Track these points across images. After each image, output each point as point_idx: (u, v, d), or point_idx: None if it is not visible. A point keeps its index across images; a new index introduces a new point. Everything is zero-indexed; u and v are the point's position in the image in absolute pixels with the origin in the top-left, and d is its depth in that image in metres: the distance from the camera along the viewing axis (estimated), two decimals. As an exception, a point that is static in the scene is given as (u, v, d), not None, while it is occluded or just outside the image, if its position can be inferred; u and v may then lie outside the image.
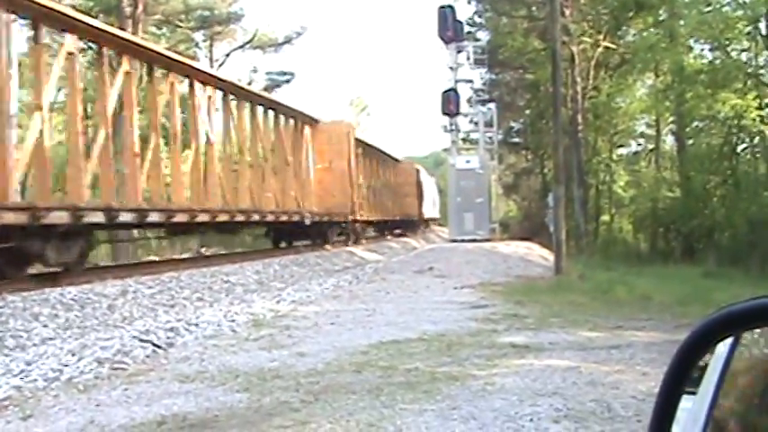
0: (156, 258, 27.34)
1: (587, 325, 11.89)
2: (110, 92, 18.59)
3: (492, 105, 44.52)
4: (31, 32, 16.39)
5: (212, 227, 24.64)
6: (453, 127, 35.49)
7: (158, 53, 22.02)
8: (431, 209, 64.33)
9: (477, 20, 51.36)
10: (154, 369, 8.97)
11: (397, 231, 53.17)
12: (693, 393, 1.93)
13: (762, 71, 32.43)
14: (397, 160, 56.84)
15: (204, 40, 53.89)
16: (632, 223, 44.44)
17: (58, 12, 16.72)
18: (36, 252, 15.43)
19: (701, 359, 1.88)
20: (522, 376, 8.02)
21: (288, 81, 57.29)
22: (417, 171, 58.01)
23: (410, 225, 55.85)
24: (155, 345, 10.41)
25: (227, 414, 6.86)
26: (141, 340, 10.55)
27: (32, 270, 16.43)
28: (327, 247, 33.22)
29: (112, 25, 23.40)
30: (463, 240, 30.47)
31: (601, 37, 40.55)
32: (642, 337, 10.74)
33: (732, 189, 32.83)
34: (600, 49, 40.78)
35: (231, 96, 26.75)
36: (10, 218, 14.07)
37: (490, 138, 37.44)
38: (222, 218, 23.62)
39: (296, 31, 56.22)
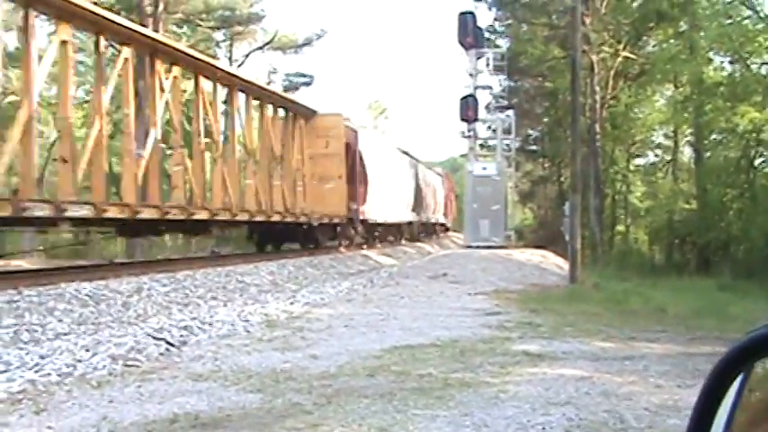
0: (172, 257, 27.34)
1: (601, 335, 11.85)
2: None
3: (510, 112, 44.51)
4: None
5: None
6: (471, 133, 35.48)
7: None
8: (406, 206, 47.19)
9: (498, 27, 51.42)
10: (167, 367, 8.98)
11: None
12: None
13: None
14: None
15: (224, 40, 53.97)
16: (648, 234, 44.40)
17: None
18: None
19: (735, 380, 1.86)
20: (534, 385, 8.01)
21: (307, 83, 57.25)
22: (354, 133, 34.90)
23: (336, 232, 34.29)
24: (168, 343, 10.42)
25: (239, 414, 6.87)
26: (155, 338, 10.56)
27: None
28: (342, 249, 33.19)
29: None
30: (478, 247, 30.46)
31: (621, 47, 40.54)
32: (656, 349, 10.71)
33: (749, 202, 32.75)
34: (620, 59, 40.77)
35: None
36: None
37: (508, 145, 37.44)
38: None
39: (316, 34, 56.13)
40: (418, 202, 50.61)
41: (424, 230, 56.97)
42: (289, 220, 28.24)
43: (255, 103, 27.31)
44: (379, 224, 39.79)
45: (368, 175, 35.42)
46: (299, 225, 29.56)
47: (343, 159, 32.53)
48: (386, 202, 39.38)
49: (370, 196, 35.65)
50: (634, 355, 10.08)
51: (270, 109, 28.96)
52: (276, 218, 27.00)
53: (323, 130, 32.23)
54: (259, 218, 25.86)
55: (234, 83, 25.60)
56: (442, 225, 65.83)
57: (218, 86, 24.98)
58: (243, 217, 24.82)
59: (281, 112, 30.21)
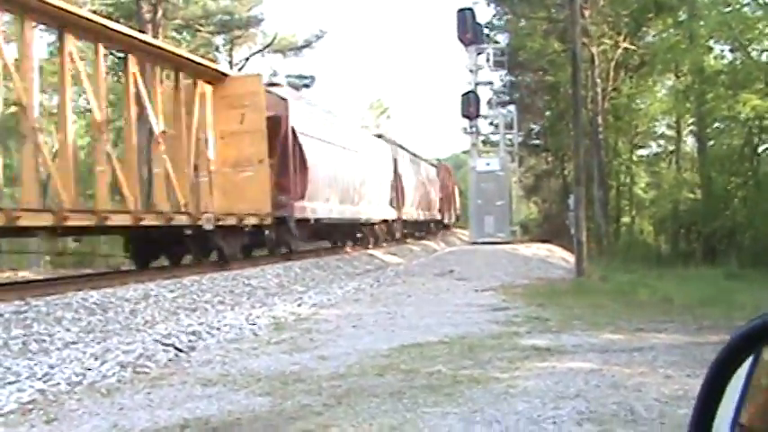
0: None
1: (609, 327, 11.85)
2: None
3: (512, 107, 44.66)
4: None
5: None
6: (473, 129, 35.44)
7: None
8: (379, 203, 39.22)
9: (497, 22, 51.36)
10: (176, 373, 8.99)
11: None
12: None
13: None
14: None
15: (224, 45, 54.00)
16: (653, 225, 44.31)
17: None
18: None
19: (739, 367, 1.87)
20: (544, 379, 8.01)
21: (308, 85, 57.22)
22: (283, 103, 26.56)
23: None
24: (177, 348, 10.44)
25: (249, 418, 6.88)
26: (163, 344, 10.58)
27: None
28: (347, 250, 33.17)
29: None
30: (484, 243, 30.46)
31: (621, 38, 40.48)
32: (664, 340, 10.71)
33: (753, 190, 32.63)
34: (620, 51, 40.74)
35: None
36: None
37: (510, 140, 37.47)
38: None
39: (315, 35, 56.14)
40: (400, 197, 43.43)
41: (418, 229, 51.79)
42: (178, 222, 20.36)
43: (121, 57, 21.33)
44: (331, 223, 31.59)
45: (307, 160, 26.75)
46: (195, 229, 21.17)
47: (264, 137, 24.31)
48: (342, 194, 32.08)
49: (312, 187, 27.38)
50: (642, 346, 10.08)
51: (146, 68, 22.92)
52: (151, 220, 19.30)
53: (237, 100, 24.32)
54: (118, 221, 18.27)
55: (67, 21, 17.50)
56: (439, 222, 59.34)
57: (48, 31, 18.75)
58: (81, 221, 16.91)
59: (168, 74, 23.19)
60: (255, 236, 25.01)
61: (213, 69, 24.86)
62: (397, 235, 44.35)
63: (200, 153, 23.35)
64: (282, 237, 26.34)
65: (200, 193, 22.98)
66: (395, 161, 43.07)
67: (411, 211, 47.18)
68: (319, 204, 28.65)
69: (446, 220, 62.17)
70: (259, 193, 24.25)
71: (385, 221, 40.92)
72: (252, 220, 23.96)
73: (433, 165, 59.69)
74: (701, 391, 1.90)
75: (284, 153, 25.82)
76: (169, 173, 21.12)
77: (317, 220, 28.45)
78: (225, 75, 25.42)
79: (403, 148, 48.15)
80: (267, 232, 25.34)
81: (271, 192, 24.81)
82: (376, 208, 38.11)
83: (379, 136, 44.14)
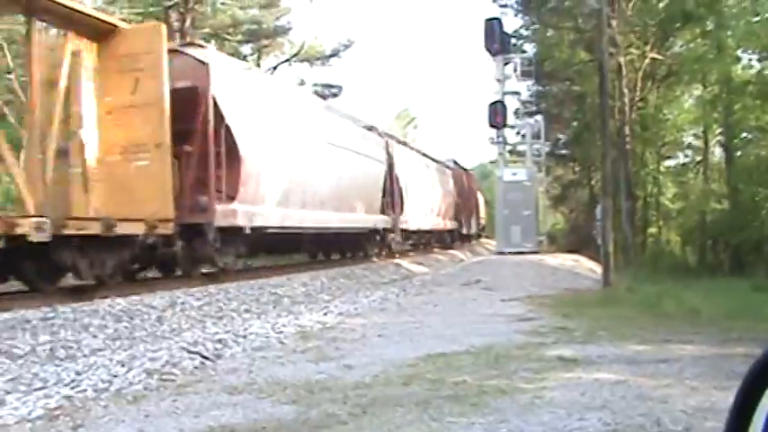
0: (204, 270, 27.30)
1: (635, 338, 11.78)
2: None
3: (539, 117, 44.61)
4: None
5: None
6: (500, 139, 35.55)
7: None
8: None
9: (524, 32, 51.45)
10: (202, 380, 9.01)
11: None
12: None
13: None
14: None
15: (252, 54, 54.21)
16: (680, 236, 44.25)
17: None
18: None
19: None
20: (570, 389, 7.97)
21: (335, 94, 57.40)
22: (203, 68, 19.52)
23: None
24: (203, 356, 10.44)
25: (274, 426, 6.87)
26: (190, 352, 10.59)
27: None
28: (374, 258, 32.88)
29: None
30: (510, 253, 30.46)
31: (648, 48, 40.43)
32: (691, 351, 10.64)
33: (782, 201, 32.53)
34: (647, 61, 40.69)
35: None
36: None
37: (537, 150, 37.52)
38: None
39: (343, 44, 56.40)
40: (397, 202, 36.58)
41: (425, 239, 45.36)
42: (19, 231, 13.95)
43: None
44: (286, 234, 24.83)
45: (240, 148, 20.16)
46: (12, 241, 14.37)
47: (164, 113, 17.74)
48: (303, 197, 25.07)
49: (249, 185, 20.96)
50: (669, 357, 10.02)
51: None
52: None
53: (130, 61, 17.82)
54: None
55: None
56: (454, 232, 52.75)
57: None
58: None
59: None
60: (153, 249, 18.22)
61: (96, 19, 17.81)
62: (395, 247, 36.86)
63: (73, 135, 17.12)
64: (201, 251, 19.55)
65: (69, 191, 17.12)
66: (390, 158, 36.24)
67: (414, 219, 39.48)
68: (261, 209, 21.76)
69: (464, 230, 56.08)
70: (156, 191, 17.56)
71: (375, 231, 33.86)
72: (134, 229, 16.81)
73: (447, 166, 53.08)
74: (734, 405, 1.90)
75: (204, 136, 19.17)
76: (7, 160, 15.69)
77: (256, 230, 21.55)
78: (114, 27, 18.22)
79: (404, 144, 43.05)
80: (178, 245, 18.48)
81: (188, 190, 18.92)
82: (359, 214, 31.21)
83: (371, 128, 36.34)
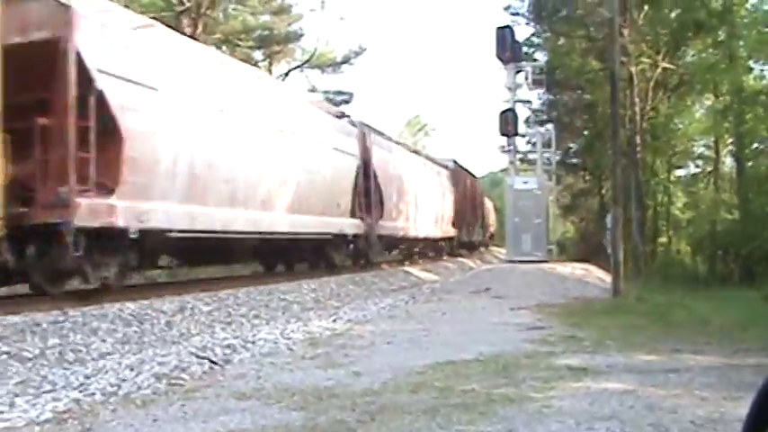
0: (215, 275, 27.23)
1: (645, 348, 11.75)
2: None
3: (550, 126, 44.59)
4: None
5: None
6: (511, 147, 35.51)
7: None
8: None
9: (535, 41, 51.50)
10: (211, 385, 9.01)
11: None
12: None
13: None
14: None
15: (263, 59, 54.30)
16: (690, 245, 44.14)
17: None
18: None
19: None
20: (578, 399, 7.95)
21: (346, 101, 57.49)
22: (64, 18, 14.51)
23: None
24: (212, 361, 10.45)
25: (283, 432, 6.88)
26: (198, 356, 10.59)
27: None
28: (384, 266, 32.73)
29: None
30: (520, 261, 30.42)
31: (659, 57, 40.38)
32: (701, 361, 10.61)
33: (792, 212, 32.45)
34: (659, 70, 40.66)
35: None
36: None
37: (548, 158, 37.51)
38: None
39: (354, 51, 56.50)
40: (375, 204, 31.51)
41: (414, 247, 40.34)
42: None
43: None
44: (201, 239, 19.03)
45: (121, 123, 15.34)
46: None
47: None
48: (232, 192, 20.12)
49: (137, 173, 15.98)
50: (678, 367, 9.99)
51: None
52: None
53: None
54: None
55: None
56: (452, 240, 48.03)
57: None
58: None
59: None
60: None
61: None
62: (372, 257, 31.67)
63: None
64: (59, 262, 14.57)
65: None
66: (366, 152, 31.14)
67: (397, 225, 34.71)
68: (157, 206, 16.78)
69: (465, 237, 51.54)
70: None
71: (342, 236, 28.73)
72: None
73: (443, 166, 47.80)
74: (751, 410, 1.90)
75: (63, 108, 14.26)
76: None
77: (147, 233, 16.42)
78: None
79: (385, 137, 36.57)
80: (5, 254, 13.85)
81: (44, 178, 14.37)
82: (319, 217, 25.95)
83: (342, 115, 31.74)
